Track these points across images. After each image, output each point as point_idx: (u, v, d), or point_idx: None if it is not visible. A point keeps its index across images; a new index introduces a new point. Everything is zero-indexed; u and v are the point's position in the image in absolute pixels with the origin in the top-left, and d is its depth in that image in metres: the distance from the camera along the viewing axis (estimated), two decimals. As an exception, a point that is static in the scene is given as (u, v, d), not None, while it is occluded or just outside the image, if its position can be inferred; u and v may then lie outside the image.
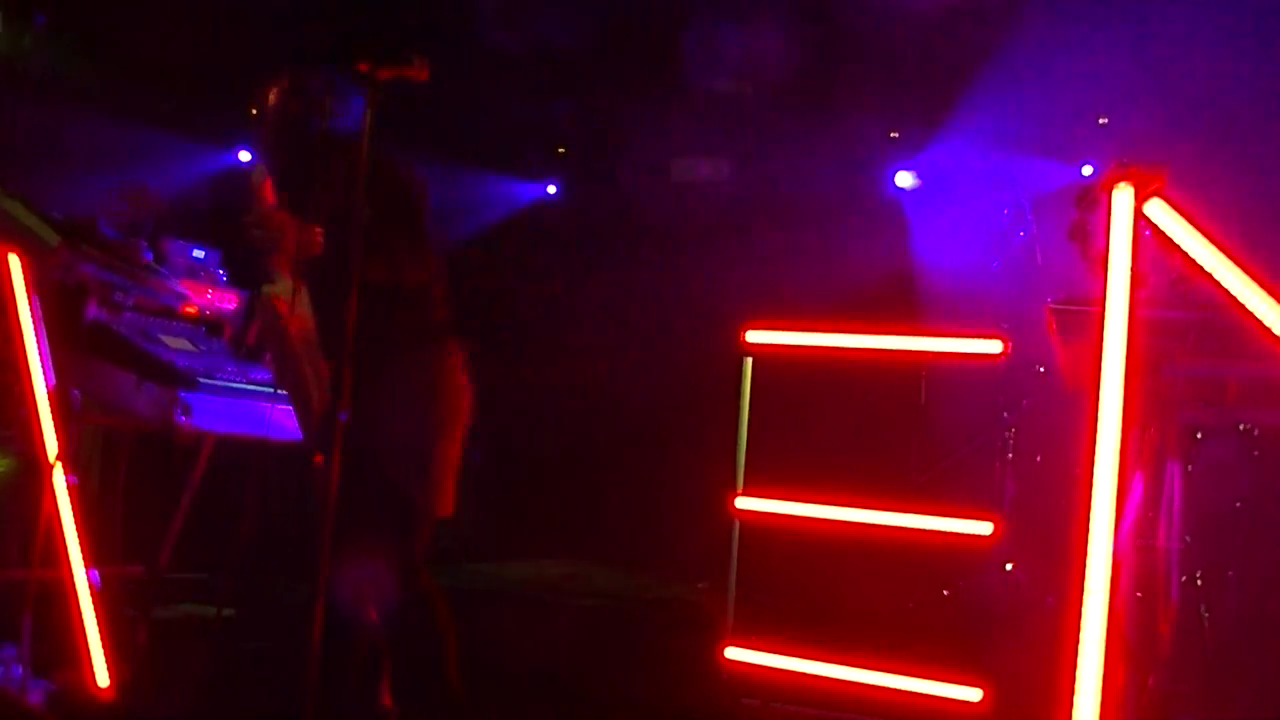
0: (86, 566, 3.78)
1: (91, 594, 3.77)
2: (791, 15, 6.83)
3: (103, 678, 3.75)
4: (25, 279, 3.85)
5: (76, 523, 3.78)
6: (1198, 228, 3.09)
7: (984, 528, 3.91)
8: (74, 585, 3.76)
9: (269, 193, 3.37)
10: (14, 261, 3.85)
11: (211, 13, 6.76)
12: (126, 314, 4.23)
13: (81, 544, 3.78)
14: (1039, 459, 6.08)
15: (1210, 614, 4.55)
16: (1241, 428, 4.72)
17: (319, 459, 3.26)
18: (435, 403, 3.38)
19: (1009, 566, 5.92)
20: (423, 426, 3.35)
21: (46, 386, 3.83)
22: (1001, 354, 3.95)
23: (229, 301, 4.80)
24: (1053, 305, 5.20)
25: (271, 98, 3.49)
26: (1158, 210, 3.07)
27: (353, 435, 3.09)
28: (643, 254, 8.09)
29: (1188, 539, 4.66)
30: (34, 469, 3.86)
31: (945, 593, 5.98)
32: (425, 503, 3.35)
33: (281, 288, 3.40)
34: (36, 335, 3.84)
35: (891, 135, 7.75)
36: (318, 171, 3.39)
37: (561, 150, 8.75)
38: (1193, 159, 4.08)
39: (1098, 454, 2.95)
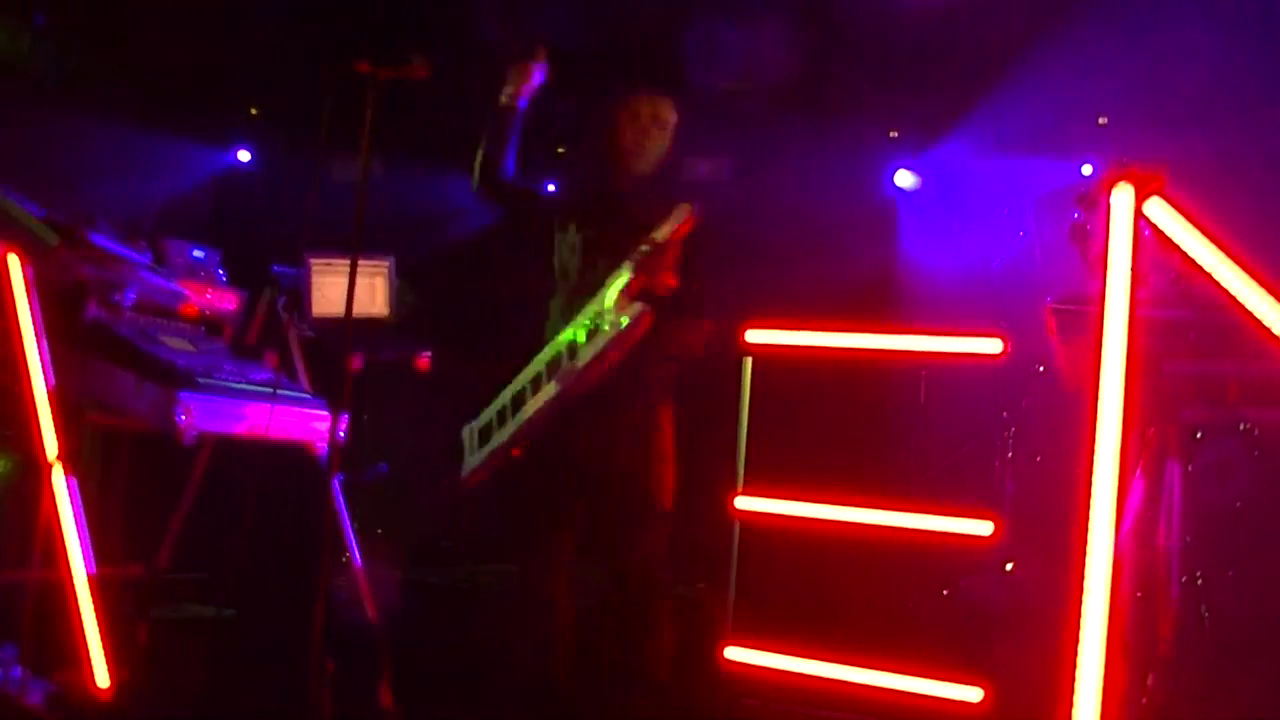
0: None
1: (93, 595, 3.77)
2: (792, 15, 6.81)
3: (102, 678, 3.75)
4: (24, 279, 3.85)
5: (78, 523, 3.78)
6: (1198, 227, 3.09)
7: (984, 527, 3.90)
8: (74, 585, 3.76)
9: (685, 231, 3.85)
10: (13, 261, 3.85)
11: (211, 13, 6.75)
12: (126, 314, 4.22)
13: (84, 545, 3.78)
14: (1039, 459, 6.08)
15: (1211, 614, 4.55)
16: (1242, 427, 4.71)
17: (516, 453, 4.02)
18: (673, 438, 4.24)
19: (1009, 566, 5.92)
20: (669, 454, 4.21)
21: (46, 386, 3.83)
22: (1001, 353, 3.94)
23: (229, 301, 4.79)
24: (1053, 305, 5.19)
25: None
26: (1157, 209, 3.06)
27: (637, 451, 4.10)
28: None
29: (1188, 539, 4.66)
30: (34, 469, 3.86)
31: (945, 593, 5.98)
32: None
33: (630, 310, 3.91)
34: (36, 335, 3.83)
35: (891, 135, 7.74)
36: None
37: (561, 150, 8.74)
38: (1193, 158, 4.08)
39: (1098, 454, 2.95)
